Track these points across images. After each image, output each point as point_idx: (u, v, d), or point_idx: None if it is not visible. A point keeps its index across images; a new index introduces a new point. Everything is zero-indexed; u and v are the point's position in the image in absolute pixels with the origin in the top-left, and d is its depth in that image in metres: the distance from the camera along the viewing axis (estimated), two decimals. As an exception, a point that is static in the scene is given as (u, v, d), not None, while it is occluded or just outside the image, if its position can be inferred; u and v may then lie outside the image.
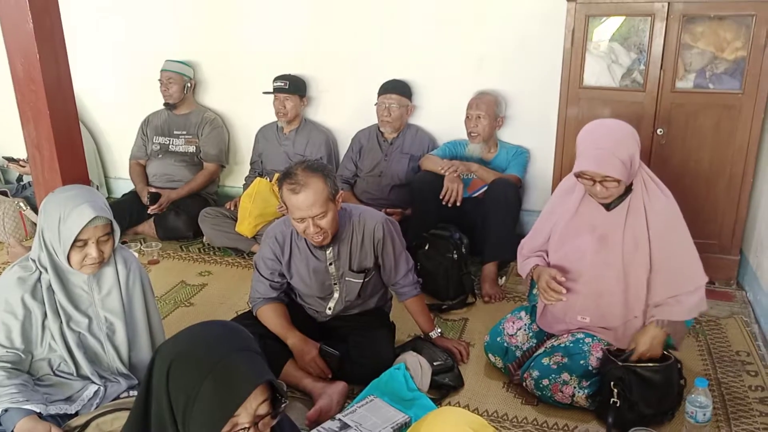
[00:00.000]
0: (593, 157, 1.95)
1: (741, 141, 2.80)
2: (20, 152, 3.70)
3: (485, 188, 3.10)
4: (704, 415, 1.91)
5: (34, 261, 1.85)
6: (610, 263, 2.05)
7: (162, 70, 3.79)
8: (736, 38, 2.75)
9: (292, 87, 3.54)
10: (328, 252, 2.22)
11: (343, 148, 3.71)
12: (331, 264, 2.24)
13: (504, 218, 2.98)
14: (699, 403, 1.92)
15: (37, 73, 2.30)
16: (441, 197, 3.01)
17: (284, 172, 2.11)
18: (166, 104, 3.84)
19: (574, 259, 2.11)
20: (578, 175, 2.01)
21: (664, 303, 2.03)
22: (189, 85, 3.84)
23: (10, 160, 3.83)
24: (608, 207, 2.04)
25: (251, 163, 3.80)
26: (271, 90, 3.57)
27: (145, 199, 3.62)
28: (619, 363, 1.96)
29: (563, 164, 3.02)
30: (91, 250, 1.78)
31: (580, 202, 2.12)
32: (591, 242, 2.08)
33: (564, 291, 2.06)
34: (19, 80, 2.34)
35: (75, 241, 1.76)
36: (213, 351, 1.12)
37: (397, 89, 3.40)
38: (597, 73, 2.95)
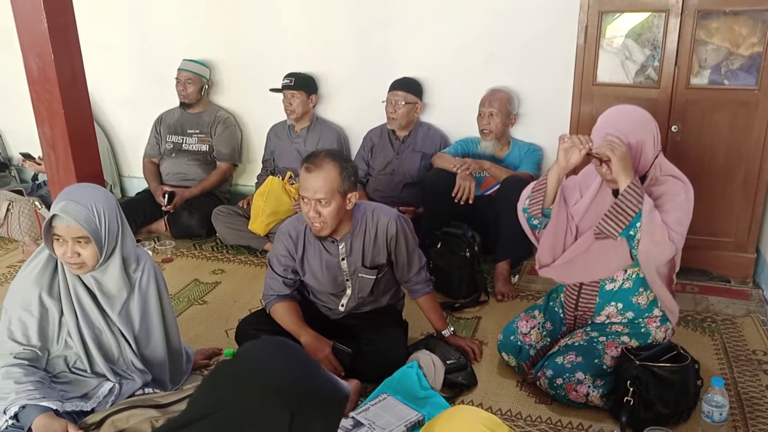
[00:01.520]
0: (601, 137, 1.97)
1: (757, 137, 2.76)
2: (36, 149, 3.75)
3: (498, 186, 3.09)
4: (721, 414, 1.89)
5: None
6: (620, 248, 2.04)
7: (180, 69, 3.80)
8: (751, 34, 2.72)
9: (298, 83, 3.55)
10: (340, 247, 2.23)
11: (355, 145, 3.71)
12: (343, 259, 2.24)
13: (516, 216, 2.96)
14: (715, 402, 1.90)
15: (51, 73, 2.33)
16: (453, 195, 3.00)
17: (309, 153, 2.17)
18: (182, 103, 3.86)
19: (589, 242, 2.10)
20: (588, 154, 2.00)
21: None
22: (206, 86, 3.86)
23: (27, 156, 3.86)
24: (616, 194, 2.03)
25: (263, 162, 3.81)
26: (279, 87, 3.58)
27: (161, 198, 3.64)
28: (637, 362, 1.94)
29: (576, 162, 2.99)
30: (66, 248, 1.78)
31: (598, 190, 2.12)
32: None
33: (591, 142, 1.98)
34: (34, 80, 2.37)
35: (53, 233, 1.78)
36: (328, 385, 1.18)
37: (404, 86, 3.40)
38: (610, 70, 2.93)
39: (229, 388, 1.12)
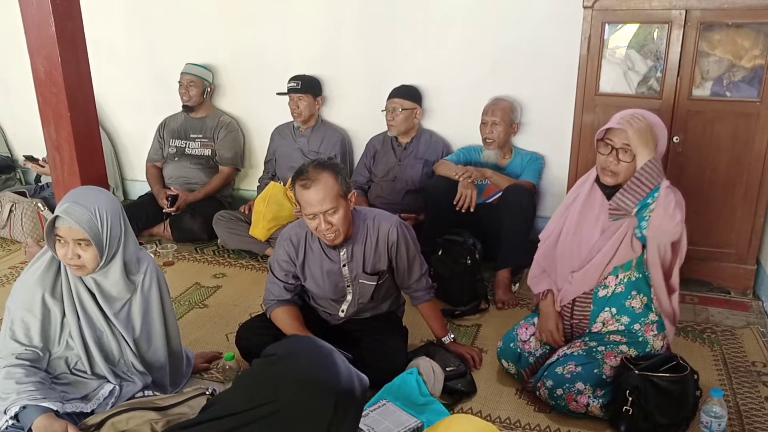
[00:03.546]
0: (622, 120, 2.01)
1: (758, 149, 2.77)
2: (40, 152, 3.77)
3: (499, 194, 3.10)
4: (719, 425, 1.90)
5: None
6: (613, 249, 2.08)
7: (183, 73, 3.82)
8: (754, 46, 2.73)
9: (305, 86, 3.57)
10: (341, 253, 2.23)
11: (357, 149, 3.73)
12: (344, 265, 2.25)
13: (518, 224, 2.97)
14: (714, 413, 1.90)
15: (58, 76, 2.34)
16: (455, 203, 3.01)
17: (296, 170, 2.14)
18: (184, 107, 3.88)
19: (583, 248, 2.14)
20: (600, 139, 2.05)
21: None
22: (209, 90, 3.88)
23: (31, 159, 3.88)
24: (608, 196, 2.05)
25: (265, 163, 3.82)
26: (285, 91, 3.60)
27: (164, 201, 3.65)
28: (636, 372, 1.94)
29: (578, 171, 3.00)
30: (67, 250, 1.79)
31: (589, 195, 2.15)
32: (596, 231, 2.12)
33: (562, 343, 2.22)
34: (41, 82, 2.39)
35: (55, 234, 1.79)
36: (359, 379, 1.31)
37: (401, 93, 3.41)
38: (613, 80, 2.94)
39: (273, 384, 1.20)
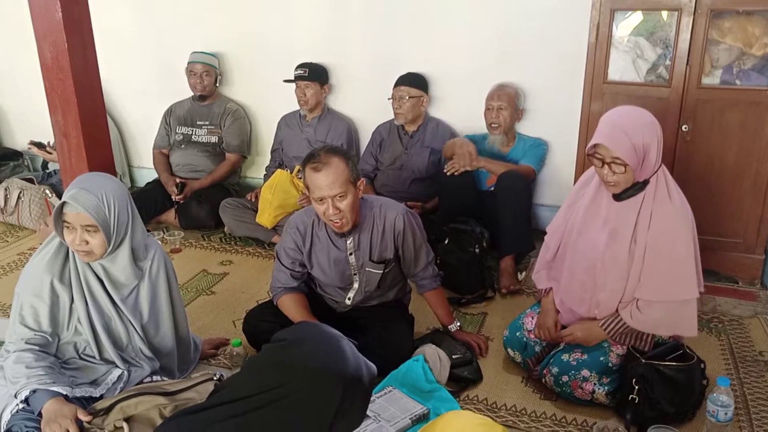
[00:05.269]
0: (606, 134, 1.92)
1: (768, 138, 2.76)
2: (46, 140, 3.78)
3: (502, 182, 3.09)
4: (726, 414, 1.90)
5: None
6: (618, 259, 2.01)
7: (194, 62, 3.78)
8: (764, 34, 2.70)
9: (312, 74, 3.56)
10: (348, 242, 2.24)
11: (364, 138, 3.72)
12: (351, 254, 2.25)
13: (513, 211, 2.97)
14: (721, 402, 1.90)
15: (65, 62, 2.34)
16: (447, 169, 3.02)
17: (308, 154, 2.15)
18: (199, 96, 3.84)
19: (588, 250, 2.08)
20: (590, 154, 1.98)
21: (632, 304, 2.01)
22: (220, 77, 3.87)
23: (38, 145, 3.88)
24: (618, 197, 2.00)
25: (272, 152, 3.81)
26: (292, 78, 3.59)
27: (173, 189, 3.66)
28: (643, 360, 1.94)
29: (586, 160, 2.98)
30: (75, 236, 1.80)
31: (596, 193, 2.08)
32: (603, 235, 2.03)
33: (560, 340, 2.19)
34: (48, 69, 2.39)
35: (63, 220, 1.80)
36: (366, 366, 1.31)
37: (407, 81, 3.40)
38: (622, 68, 2.92)
39: (283, 370, 1.21)
